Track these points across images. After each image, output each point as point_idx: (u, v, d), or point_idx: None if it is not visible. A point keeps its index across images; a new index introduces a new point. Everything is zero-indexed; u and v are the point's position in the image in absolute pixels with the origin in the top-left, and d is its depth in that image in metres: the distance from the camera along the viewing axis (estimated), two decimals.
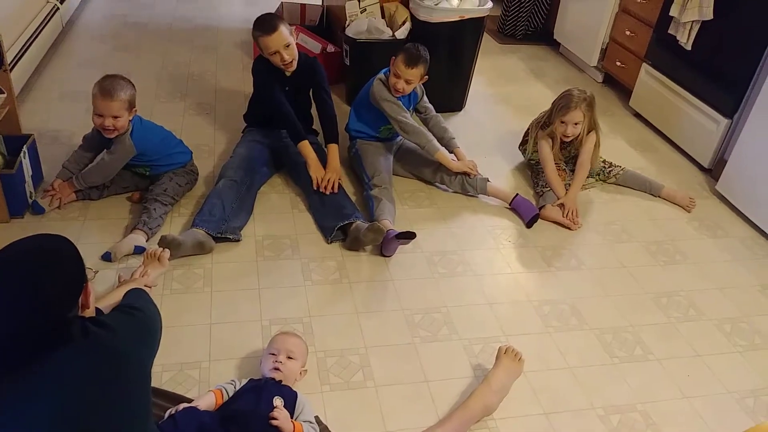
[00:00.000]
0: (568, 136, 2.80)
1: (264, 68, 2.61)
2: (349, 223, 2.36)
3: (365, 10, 3.35)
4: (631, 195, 2.95)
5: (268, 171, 2.71)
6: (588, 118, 2.79)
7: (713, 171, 3.14)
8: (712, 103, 3.09)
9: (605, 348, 2.09)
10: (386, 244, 2.33)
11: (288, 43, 2.52)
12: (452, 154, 2.76)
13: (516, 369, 1.85)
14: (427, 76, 2.66)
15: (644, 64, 3.56)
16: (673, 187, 2.97)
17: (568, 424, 1.81)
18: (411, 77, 2.59)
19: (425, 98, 2.83)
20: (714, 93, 3.09)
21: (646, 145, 3.41)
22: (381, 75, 2.69)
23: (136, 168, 2.48)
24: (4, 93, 2.33)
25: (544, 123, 2.88)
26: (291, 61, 2.55)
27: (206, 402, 1.57)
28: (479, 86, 3.78)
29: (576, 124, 2.76)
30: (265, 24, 2.49)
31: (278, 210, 2.56)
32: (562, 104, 2.77)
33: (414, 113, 2.85)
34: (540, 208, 2.70)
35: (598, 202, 2.87)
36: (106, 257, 2.17)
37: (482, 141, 3.26)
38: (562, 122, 2.77)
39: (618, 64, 3.82)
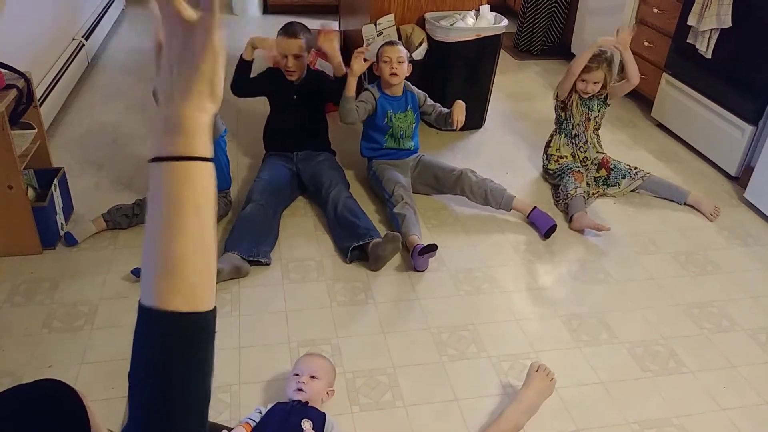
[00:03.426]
0: (587, 93, 2.86)
1: (271, 76, 2.74)
2: (366, 243, 2.37)
3: (382, 33, 3.39)
4: (657, 206, 2.92)
5: (291, 194, 2.75)
6: (608, 78, 2.85)
7: (740, 179, 3.09)
8: (736, 110, 3.06)
9: (637, 361, 2.05)
10: (416, 260, 2.35)
11: (300, 54, 2.63)
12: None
13: (546, 388, 1.82)
14: (410, 65, 2.71)
15: (664, 74, 3.54)
16: (699, 194, 2.93)
17: None
18: (398, 53, 2.65)
19: (429, 100, 2.85)
20: (737, 100, 3.05)
21: (671, 156, 3.38)
22: (368, 86, 2.76)
23: None
24: (35, 128, 2.40)
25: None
26: (294, 71, 2.67)
27: None
28: (498, 103, 3.79)
29: (596, 83, 2.83)
30: (290, 29, 2.64)
31: (302, 233, 2.59)
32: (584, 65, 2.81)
33: (424, 117, 2.88)
34: (570, 219, 2.69)
35: (624, 215, 2.84)
36: (137, 273, 2.22)
37: (503, 157, 3.26)
38: (583, 80, 2.83)
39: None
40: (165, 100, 0.63)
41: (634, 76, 2.89)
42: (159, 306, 0.61)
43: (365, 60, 2.60)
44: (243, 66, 2.67)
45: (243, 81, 2.70)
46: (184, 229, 0.61)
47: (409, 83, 2.81)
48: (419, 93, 2.84)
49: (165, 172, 0.62)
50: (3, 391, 0.78)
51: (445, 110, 2.81)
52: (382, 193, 2.70)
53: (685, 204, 2.91)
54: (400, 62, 2.66)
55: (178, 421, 0.63)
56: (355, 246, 2.37)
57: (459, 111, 2.71)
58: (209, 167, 0.64)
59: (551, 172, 2.99)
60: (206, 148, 0.64)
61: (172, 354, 0.62)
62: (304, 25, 2.68)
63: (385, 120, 2.73)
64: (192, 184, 0.62)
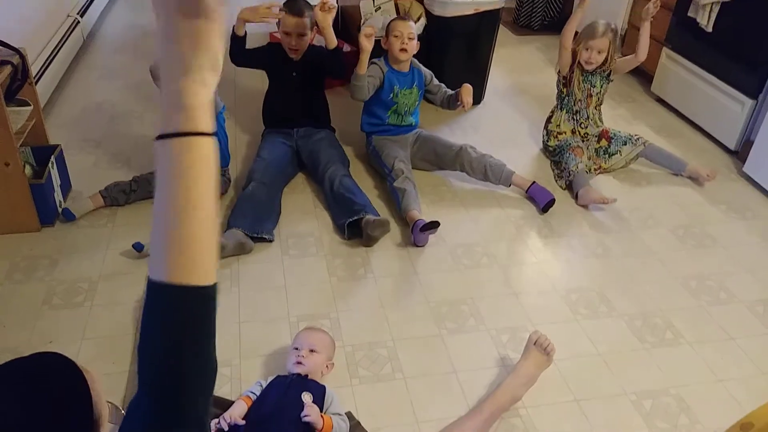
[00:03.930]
0: (591, 63, 2.80)
1: (270, 52, 2.72)
2: (360, 218, 2.37)
3: (380, 8, 3.36)
4: (656, 181, 2.91)
5: (291, 171, 2.74)
6: (611, 49, 2.80)
7: (740, 153, 3.09)
8: (736, 84, 3.04)
9: (635, 334, 2.06)
10: (416, 235, 2.35)
11: (303, 33, 2.60)
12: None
13: (544, 361, 1.83)
14: (419, 42, 2.69)
15: (665, 49, 3.51)
16: (697, 165, 2.92)
17: (600, 410, 1.79)
18: (409, 29, 2.63)
19: (435, 80, 2.83)
20: (737, 74, 3.04)
21: (670, 130, 3.37)
22: (374, 59, 2.71)
23: None
24: (30, 105, 2.38)
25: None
26: (297, 50, 2.65)
27: (238, 410, 1.58)
28: (497, 78, 3.77)
29: (599, 52, 2.77)
30: (295, 6, 2.61)
31: (301, 209, 2.58)
32: (588, 31, 2.78)
33: (428, 96, 2.85)
34: (576, 195, 2.69)
35: (624, 190, 2.84)
36: (138, 247, 2.22)
37: (502, 133, 3.25)
38: (587, 49, 2.78)
39: None
40: (166, 75, 0.63)
41: (644, 52, 2.85)
42: (170, 280, 0.62)
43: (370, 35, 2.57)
44: (236, 40, 2.64)
45: (239, 52, 2.67)
46: (191, 204, 0.62)
47: (416, 60, 2.78)
48: (426, 72, 2.82)
49: (170, 149, 0.62)
50: (1, 364, 0.77)
51: (450, 92, 2.80)
52: (382, 168, 2.69)
53: (683, 175, 2.91)
54: (410, 38, 2.63)
55: (189, 390, 0.64)
56: (350, 222, 2.38)
57: (467, 93, 2.69)
58: (212, 142, 0.64)
59: (551, 148, 2.98)
60: (209, 123, 0.64)
61: (185, 326, 0.63)
62: (307, 2, 2.65)
63: (391, 95, 2.71)
64: (197, 160, 0.63)
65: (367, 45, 2.55)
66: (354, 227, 2.39)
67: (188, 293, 0.63)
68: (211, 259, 0.64)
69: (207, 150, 0.64)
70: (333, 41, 2.59)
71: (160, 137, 0.63)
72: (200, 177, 0.63)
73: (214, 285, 0.65)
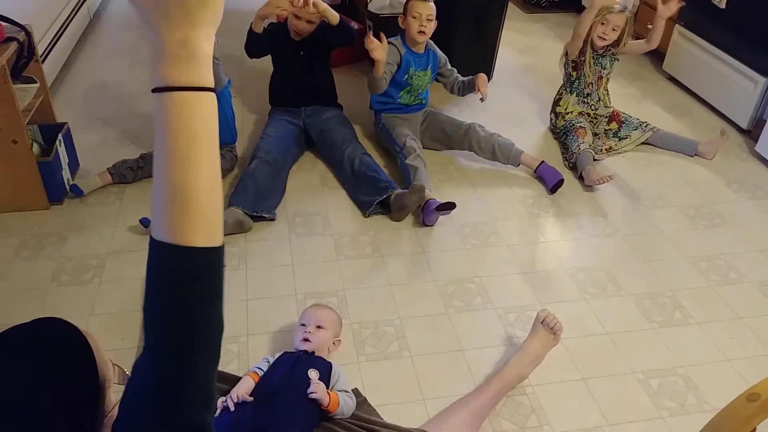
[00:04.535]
0: (605, 38, 2.73)
1: (275, 31, 2.65)
2: (388, 195, 2.37)
3: None
4: (666, 160, 2.88)
5: (298, 150, 2.73)
6: (626, 30, 2.74)
7: (752, 132, 3.05)
8: (749, 62, 2.99)
9: (643, 313, 2.05)
10: (428, 214, 2.34)
11: (312, 21, 2.56)
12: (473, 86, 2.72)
13: (551, 339, 1.83)
14: (436, 21, 2.63)
15: (677, 26, 3.46)
16: (707, 142, 2.89)
17: (607, 388, 1.79)
18: (429, 10, 2.57)
19: (448, 64, 2.80)
20: (750, 52, 2.99)
21: (682, 109, 3.33)
22: (391, 39, 2.67)
23: None
24: (37, 83, 2.37)
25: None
26: (302, 34, 2.62)
27: (245, 386, 1.58)
28: (505, 57, 3.73)
29: (614, 29, 2.71)
30: None
31: (308, 187, 2.58)
32: (608, 6, 2.73)
33: (439, 79, 2.83)
34: (580, 174, 2.66)
35: (634, 169, 2.81)
36: (144, 222, 2.23)
37: (510, 112, 3.22)
38: (603, 23, 2.72)
39: (650, 27, 3.70)
40: (168, 25, 0.60)
41: (657, 40, 2.80)
42: (174, 240, 0.60)
43: (372, 34, 2.52)
44: (255, 36, 2.58)
45: (259, 48, 2.64)
46: (196, 160, 0.60)
47: (431, 42, 2.75)
48: (441, 54, 2.79)
49: (171, 103, 0.60)
50: (2, 331, 0.74)
51: (462, 78, 2.77)
52: (393, 146, 2.67)
53: (696, 155, 2.88)
54: (429, 19, 2.59)
55: (197, 351, 0.62)
56: (380, 200, 2.38)
57: (483, 83, 2.66)
58: (214, 98, 0.62)
59: (558, 130, 2.95)
60: (211, 78, 0.62)
61: (187, 288, 0.61)
62: None
63: (406, 76, 2.68)
64: (200, 115, 0.60)
65: (380, 56, 2.51)
66: (378, 204, 2.40)
67: (189, 254, 0.60)
68: (213, 220, 0.62)
69: (209, 106, 0.61)
70: (335, 17, 2.55)
71: (160, 89, 0.60)
72: (201, 133, 0.60)
73: (219, 248, 0.62)
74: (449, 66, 2.80)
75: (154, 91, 0.60)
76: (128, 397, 0.63)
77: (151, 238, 0.61)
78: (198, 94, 0.60)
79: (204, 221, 0.61)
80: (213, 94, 0.62)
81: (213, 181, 0.62)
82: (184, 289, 0.61)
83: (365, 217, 2.41)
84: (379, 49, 2.50)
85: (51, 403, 0.67)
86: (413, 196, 2.31)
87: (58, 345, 0.73)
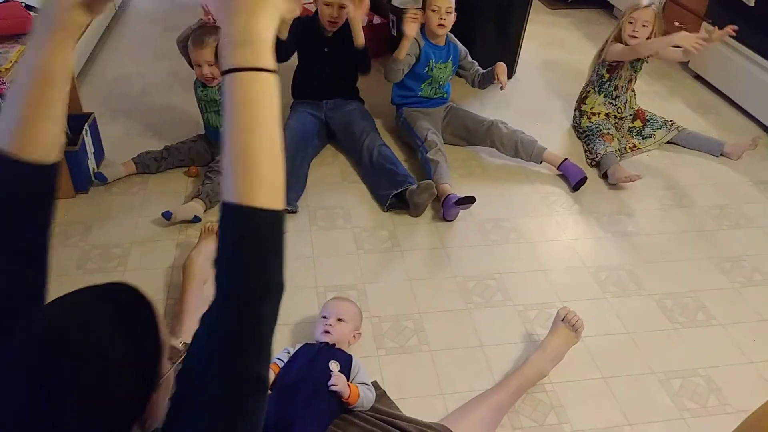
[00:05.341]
0: (636, 36, 2.67)
1: (301, 27, 2.60)
2: (404, 189, 2.37)
3: None
4: (691, 160, 2.85)
5: (319, 143, 2.74)
6: (656, 25, 2.68)
7: None
8: None
9: (665, 313, 2.04)
10: (447, 209, 2.33)
11: (344, 5, 2.55)
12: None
13: (572, 337, 1.82)
14: (456, 14, 2.62)
15: (704, 23, 3.41)
16: (735, 142, 2.85)
17: (628, 388, 1.78)
18: (448, 3, 2.57)
19: (469, 57, 2.79)
20: None
21: (708, 107, 3.28)
22: None
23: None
24: None
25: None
26: (336, 22, 2.61)
27: None
28: (529, 53, 3.70)
29: (644, 25, 2.66)
30: None
31: (329, 181, 2.59)
32: (633, 4, 2.69)
33: (460, 72, 2.82)
34: (604, 174, 2.64)
35: (657, 168, 2.78)
36: (167, 215, 2.25)
37: (533, 108, 3.20)
38: (630, 22, 2.68)
39: (676, 24, 3.66)
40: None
41: (689, 57, 2.76)
42: (240, 201, 0.66)
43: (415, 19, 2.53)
44: (279, 44, 2.57)
45: (285, 52, 2.63)
46: (261, 131, 0.67)
47: (452, 35, 2.74)
48: (461, 47, 2.78)
49: (235, 81, 0.67)
50: (75, 290, 0.81)
51: (482, 71, 2.76)
52: (414, 140, 2.67)
53: (721, 155, 2.84)
54: (448, 12, 2.59)
55: (257, 305, 0.67)
56: (395, 194, 2.38)
57: (502, 71, 2.64)
58: (275, 78, 0.69)
59: (582, 129, 2.93)
60: (270, 61, 0.70)
61: (254, 245, 0.67)
62: None
63: (426, 69, 2.68)
64: (261, 93, 0.68)
65: (410, 32, 2.52)
66: (395, 198, 2.39)
67: (253, 214, 0.67)
68: (275, 185, 0.68)
69: (271, 85, 0.69)
70: (361, 39, 2.56)
71: (229, 71, 0.68)
72: (264, 109, 0.68)
73: (280, 211, 0.68)
74: (470, 59, 2.79)
75: (222, 73, 0.68)
76: (195, 345, 0.69)
77: (222, 201, 0.67)
78: (256, 74, 0.68)
79: (266, 184, 0.67)
80: (272, 74, 0.69)
81: (273, 149, 0.68)
82: (248, 247, 0.67)
83: (384, 211, 2.41)
84: (415, 25, 2.52)
85: (123, 353, 0.73)
86: (423, 194, 2.32)
87: (128, 304, 0.79)
